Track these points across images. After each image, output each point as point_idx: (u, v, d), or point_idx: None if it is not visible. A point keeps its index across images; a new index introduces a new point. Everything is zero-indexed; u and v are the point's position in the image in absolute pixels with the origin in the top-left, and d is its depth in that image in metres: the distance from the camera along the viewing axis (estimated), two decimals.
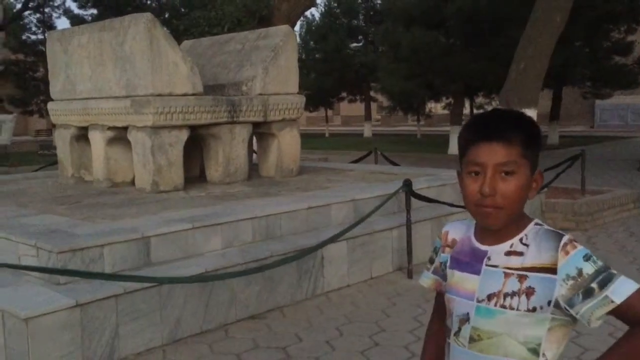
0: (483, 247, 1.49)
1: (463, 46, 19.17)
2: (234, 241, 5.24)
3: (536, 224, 1.46)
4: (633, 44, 21.72)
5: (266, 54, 7.75)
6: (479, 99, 26.40)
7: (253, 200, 6.16)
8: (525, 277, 1.40)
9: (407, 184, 5.99)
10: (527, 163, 1.43)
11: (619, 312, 1.34)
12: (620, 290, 1.32)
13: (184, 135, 6.83)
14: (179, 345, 4.38)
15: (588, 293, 1.34)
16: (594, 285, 1.34)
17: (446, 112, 29.26)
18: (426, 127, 32.91)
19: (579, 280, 1.35)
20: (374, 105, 33.11)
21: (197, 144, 7.44)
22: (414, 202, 6.18)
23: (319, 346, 4.34)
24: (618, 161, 16.36)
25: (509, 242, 1.45)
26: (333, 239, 5.19)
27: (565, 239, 1.40)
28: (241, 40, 8.38)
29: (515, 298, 1.40)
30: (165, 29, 6.97)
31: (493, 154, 1.41)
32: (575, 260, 1.36)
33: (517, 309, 1.39)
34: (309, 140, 23.30)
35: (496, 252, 1.46)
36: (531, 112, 9.51)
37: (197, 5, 15.07)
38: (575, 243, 1.39)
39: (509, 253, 1.44)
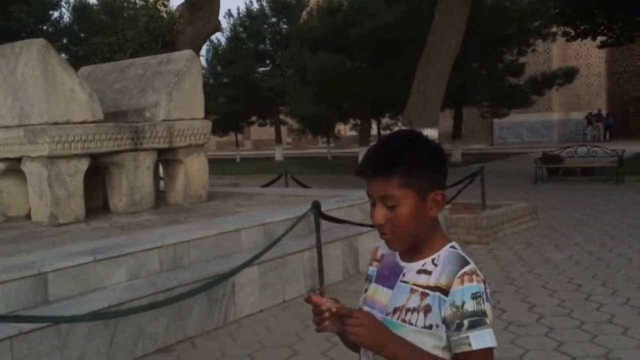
0: (402, 264, 1.53)
1: (368, 69, 19.68)
2: (140, 272, 5.05)
3: (452, 247, 1.50)
4: (524, 65, 23.19)
5: (169, 79, 7.61)
6: (386, 120, 27.15)
7: (160, 228, 5.98)
8: (427, 295, 1.44)
9: (316, 206, 6.03)
10: (410, 192, 1.45)
11: (468, 357, 1.38)
12: (480, 339, 1.37)
13: (84, 164, 6.55)
14: None
15: (459, 327, 1.39)
16: (465, 322, 1.39)
17: (354, 133, 29.85)
18: (336, 148, 33.41)
19: (458, 312, 1.39)
20: (284, 129, 33.32)
21: (99, 172, 7.16)
22: (325, 223, 6.22)
23: None
24: (515, 176, 17.26)
25: (422, 261, 1.50)
26: (245, 265, 5.11)
27: (467, 268, 1.43)
28: (143, 65, 8.20)
29: (415, 314, 1.44)
30: (61, 55, 6.70)
31: (375, 188, 1.47)
32: (463, 293, 1.40)
33: (415, 325, 1.43)
34: (219, 166, 23.01)
35: (410, 269, 1.51)
36: (432, 132, 9.88)
37: (97, 30, 14.60)
38: (475, 276, 1.41)
39: (420, 271, 1.49)
